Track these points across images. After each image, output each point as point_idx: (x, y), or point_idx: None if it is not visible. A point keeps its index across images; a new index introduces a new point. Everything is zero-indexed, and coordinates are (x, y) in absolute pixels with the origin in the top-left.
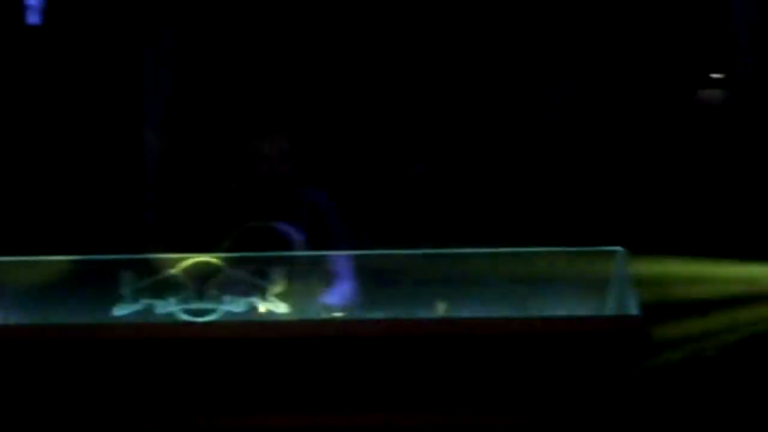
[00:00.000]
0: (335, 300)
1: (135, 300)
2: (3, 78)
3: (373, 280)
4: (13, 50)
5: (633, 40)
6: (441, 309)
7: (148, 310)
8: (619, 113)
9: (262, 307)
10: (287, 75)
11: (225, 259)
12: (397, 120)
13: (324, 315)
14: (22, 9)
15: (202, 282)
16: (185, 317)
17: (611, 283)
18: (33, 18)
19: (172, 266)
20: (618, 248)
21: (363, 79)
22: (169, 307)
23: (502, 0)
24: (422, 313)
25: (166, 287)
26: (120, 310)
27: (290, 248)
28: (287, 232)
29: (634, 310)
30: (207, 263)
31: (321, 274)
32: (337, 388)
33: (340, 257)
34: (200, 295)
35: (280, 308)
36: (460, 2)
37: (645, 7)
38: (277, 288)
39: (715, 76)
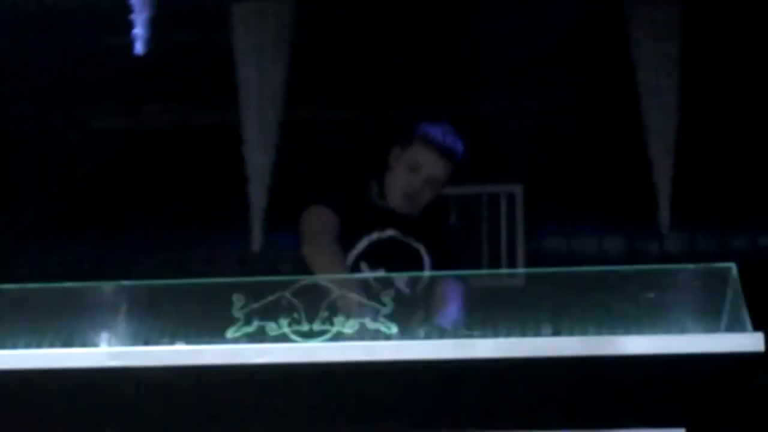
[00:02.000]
0: (445, 321)
1: (247, 322)
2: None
3: (477, 300)
4: (121, 80)
5: None
6: (547, 330)
7: (260, 332)
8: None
9: (373, 328)
10: None
11: (335, 281)
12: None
13: (435, 337)
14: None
15: (313, 303)
16: (296, 339)
17: (724, 300)
18: (139, 48)
19: (284, 288)
20: (731, 264)
21: None
22: (281, 329)
23: None
24: (529, 334)
25: (278, 309)
26: (232, 333)
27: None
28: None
29: (747, 327)
30: (318, 285)
31: (431, 296)
32: (452, 409)
33: (452, 278)
34: (311, 317)
35: (392, 329)
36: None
37: None
38: (388, 309)
39: None
